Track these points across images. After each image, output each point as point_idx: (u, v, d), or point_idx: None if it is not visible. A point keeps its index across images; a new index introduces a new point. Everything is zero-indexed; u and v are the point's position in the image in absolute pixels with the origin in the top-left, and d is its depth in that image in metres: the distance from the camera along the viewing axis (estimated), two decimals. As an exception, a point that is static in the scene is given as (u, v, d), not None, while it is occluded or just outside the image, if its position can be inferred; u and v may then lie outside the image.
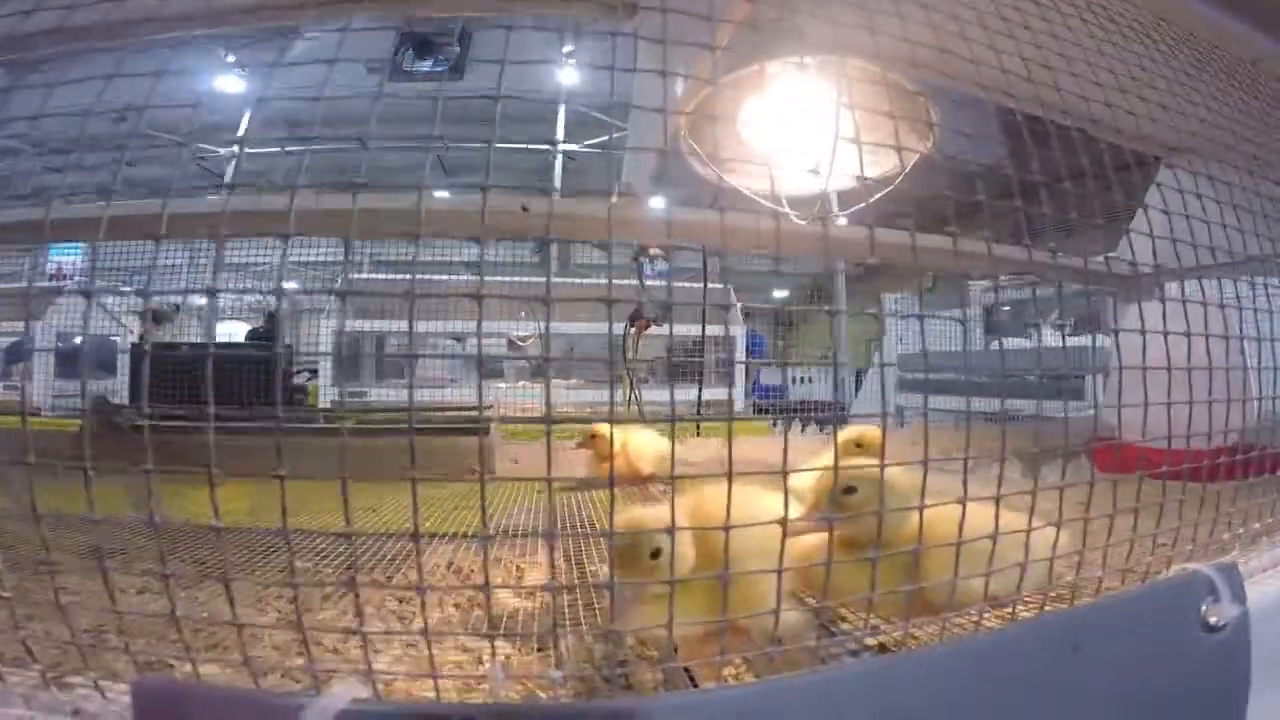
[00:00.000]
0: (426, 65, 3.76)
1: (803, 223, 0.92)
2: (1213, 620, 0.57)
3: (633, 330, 2.01)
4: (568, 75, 5.57)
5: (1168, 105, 0.91)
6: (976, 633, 0.59)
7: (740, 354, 4.41)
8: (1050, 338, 3.92)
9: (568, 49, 4.96)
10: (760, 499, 0.62)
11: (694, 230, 0.98)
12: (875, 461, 0.58)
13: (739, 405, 4.21)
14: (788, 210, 0.80)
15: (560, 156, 5.45)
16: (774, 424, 3.84)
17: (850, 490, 0.67)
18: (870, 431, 1.03)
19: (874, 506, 0.57)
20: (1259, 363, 0.86)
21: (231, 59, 5.32)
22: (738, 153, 0.87)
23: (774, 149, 0.84)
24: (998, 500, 0.57)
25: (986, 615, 0.61)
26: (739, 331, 4.55)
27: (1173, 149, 1.15)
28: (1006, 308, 5.01)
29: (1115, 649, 0.54)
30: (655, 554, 0.61)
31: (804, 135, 0.76)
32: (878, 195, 0.79)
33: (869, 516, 0.56)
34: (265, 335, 5.10)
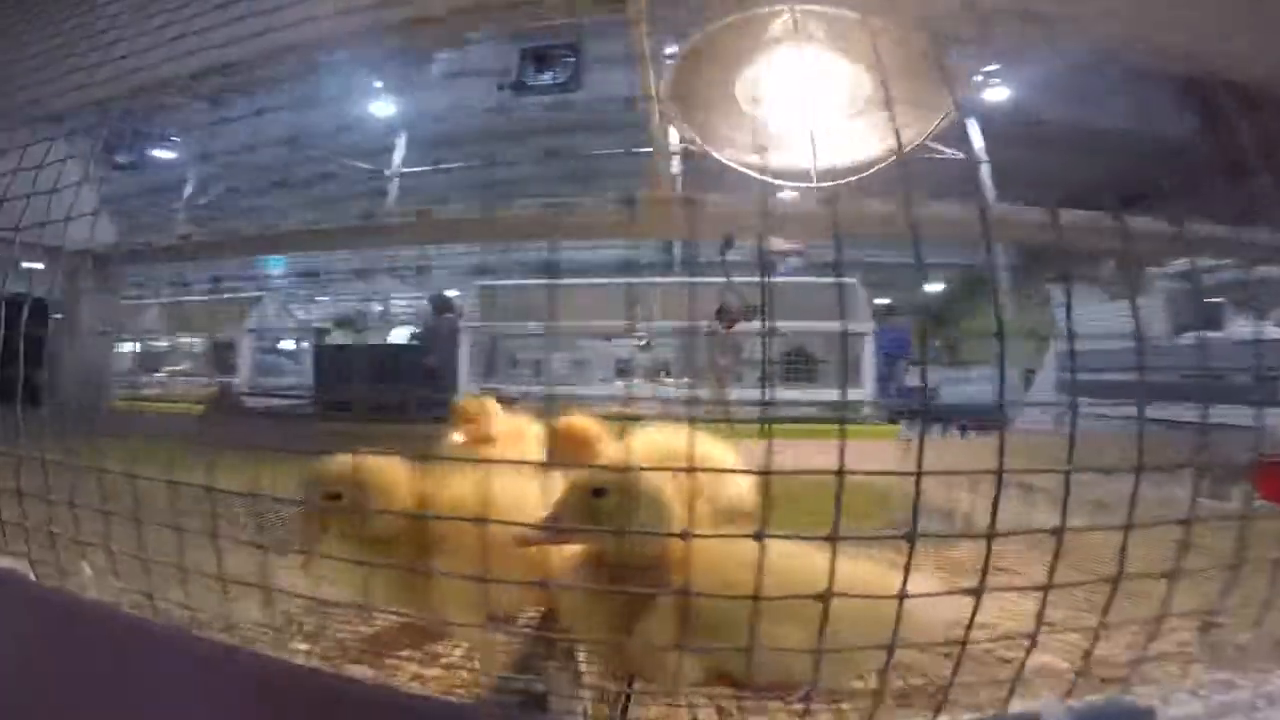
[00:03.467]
0: (546, 78, 3.87)
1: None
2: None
3: (721, 328, 1.91)
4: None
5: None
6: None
7: (869, 353, 4.08)
8: (1240, 329, 3.08)
9: (670, 50, 4.87)
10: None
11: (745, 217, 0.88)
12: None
13: (867, 408, 3.90)
14: (790, 184, 0.68)
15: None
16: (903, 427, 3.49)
17: (600, 493, 0.54)
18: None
19: (630, 516, 0.48)
20: None
21: (380, 84, 5.97)
22: (735, 127, 0.76)
23: (785, 124, 0.72)
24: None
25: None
26: (867, 329, 4.21)
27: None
28: (1206, 297, 4.07)
29: None
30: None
31: (815, 105, 0.63)
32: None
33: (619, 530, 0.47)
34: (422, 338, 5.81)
